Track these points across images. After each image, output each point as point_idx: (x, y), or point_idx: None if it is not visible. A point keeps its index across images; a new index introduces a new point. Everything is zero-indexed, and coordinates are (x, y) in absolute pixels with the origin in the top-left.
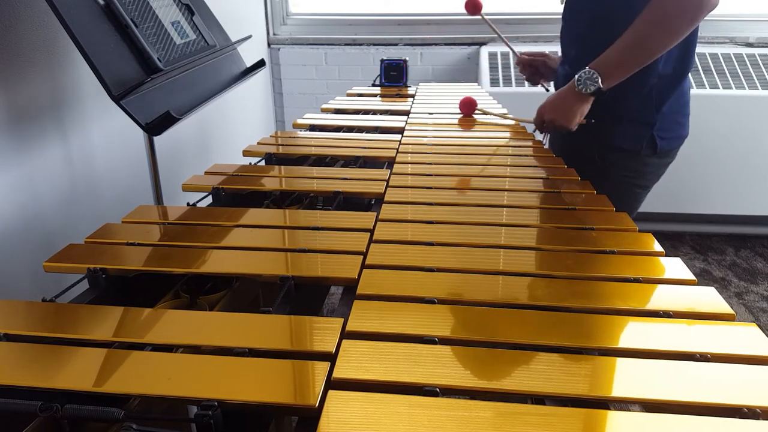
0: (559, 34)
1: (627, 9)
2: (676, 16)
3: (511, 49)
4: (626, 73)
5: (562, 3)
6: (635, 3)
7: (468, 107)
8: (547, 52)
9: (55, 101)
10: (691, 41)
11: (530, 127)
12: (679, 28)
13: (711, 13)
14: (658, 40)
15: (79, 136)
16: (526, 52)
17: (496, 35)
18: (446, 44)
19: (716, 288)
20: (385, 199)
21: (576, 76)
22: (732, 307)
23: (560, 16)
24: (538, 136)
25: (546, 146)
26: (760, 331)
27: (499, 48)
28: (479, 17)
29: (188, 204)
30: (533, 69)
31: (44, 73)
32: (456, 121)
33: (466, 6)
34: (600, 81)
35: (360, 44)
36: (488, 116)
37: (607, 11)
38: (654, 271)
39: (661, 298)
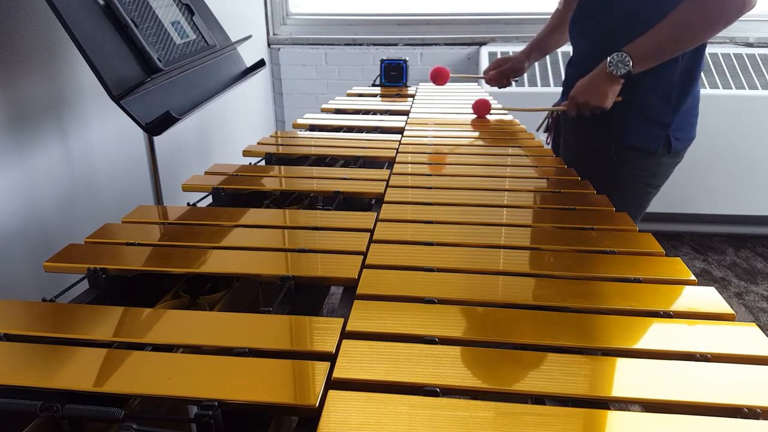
0: None
1: (654, 10)
2: (719, 13)
3: (478, 77)
4: (657, 62)
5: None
6: (665, 4)
7: (483, 109)
8: (509, 54)
9: (55, 101)
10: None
11: (532, 127)
12: (718, 26)
13: None
14: (695, 35)
15: (79, 136)
16: (489, 68)
17: (495, 36)
18: (446, 44)
19: (716, 288)
20: (385, 199)
21: (608, 59)
22: (732, 307)
23: None
24: (541, 136)
25: (549, 146)
26: (760, 331)
27: (499, 48)
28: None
29: (188, 204)
30: (504, 79)
31: (44, 73)
32: (456, 121)
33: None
34: (631, 64)
35: (360, 44)
36: (507, 113)
37: (631, 12)
38: (654, 271)
39: (661, 298)
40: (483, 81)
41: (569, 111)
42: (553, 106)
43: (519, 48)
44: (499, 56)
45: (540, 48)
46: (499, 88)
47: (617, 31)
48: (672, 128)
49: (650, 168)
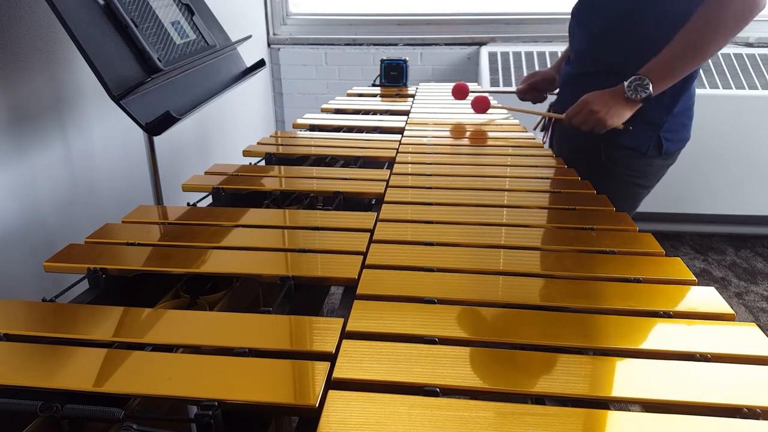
0: (558, 34)
1: (649, 11)
2: (731, 19)
3: (510, 91)
4: (677, 77)
5: None
6: (660, 5)
7: (481, 106)
8: (509, 54)
9: (55, 101)
10: None
11: (531, 126)
12: (732, 31)
13: None
14: (712, 43)
15: (79, 136)
16: (521, 83)
17: (496, 36)
18: (446, 44)
19: (716, 288)
20: (385, 199)
21: (626, 83)
22: (732, 307)
23: (560, 16)
24: (538, 135)
25: (546, 145)
26: (760, 331)
27: (499, 48)
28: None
29: (188, 204)
30: (536, 91)
31: (44, 73)
32: (456, 122)
33: (455, 93)
34: (651, 87)
35: (360, 44)
36: (507, 113)
37: (630, 10)
38: (654, 271)
39: (661, 298)
40: (483, 81)
41: (567, 115)
42: (550, 105)
43: (519, 48)
44: (499, 56)
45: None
46: (534, 102)
47: (612, 30)
48: (663, 129)
49: (641, 168)
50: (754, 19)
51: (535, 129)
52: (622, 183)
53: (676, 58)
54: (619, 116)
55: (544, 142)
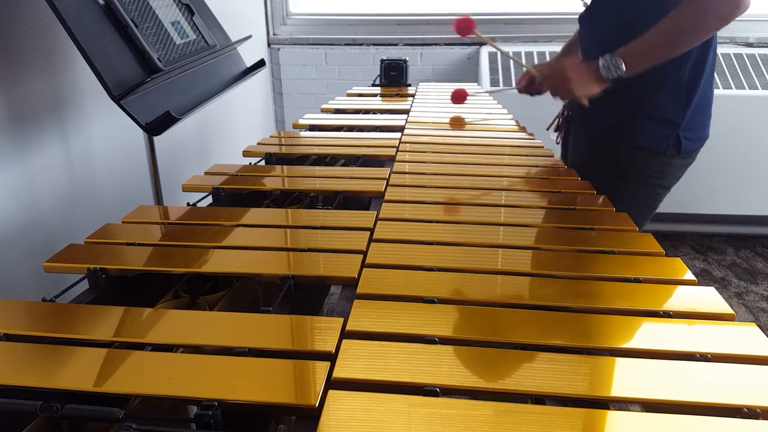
0: (558, 34)
1: (657, 13)
2: (711, 16)
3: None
4: (649, 65)
5: (584, 5)
6: (666, 6)
7: (460, 99)
8: (509, 54)
9: (55, 101)
10: (712, 38)
11: (540, 126)
12: (710, 28)
13: None
14: (689, 37)
15: (79, 136)
16: (521, 77)
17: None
18: (446, 44)
19: (716, 288)
20: (385, 198)
21: (600, 60)
22: (732, 307)
23: (560, 16)
24: (551, 136)
25: (559, 144)
26: (760, 331)
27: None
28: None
29: (188, 204)
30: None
31: (44, 73)
32: (455, 121)
33: (457, 28)
34: (624, 68)
35: (360, 44)
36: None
37: (633, 17)
38: (654, 271)
39: (661, 298)
40: (483, 81)
41: (543, 74)
42: (564, 105)
43: (519, 48)
44: (499, 56)
45: (575, 48)
46: (533, 95)
47: (617, 38)
48: (682, 128)
49: (659, 168)
50: (755, 19)
51: (548, 129)
52: (641, 184)
53: (653, 47)
54: (587, 90)
55: (558, 143)
